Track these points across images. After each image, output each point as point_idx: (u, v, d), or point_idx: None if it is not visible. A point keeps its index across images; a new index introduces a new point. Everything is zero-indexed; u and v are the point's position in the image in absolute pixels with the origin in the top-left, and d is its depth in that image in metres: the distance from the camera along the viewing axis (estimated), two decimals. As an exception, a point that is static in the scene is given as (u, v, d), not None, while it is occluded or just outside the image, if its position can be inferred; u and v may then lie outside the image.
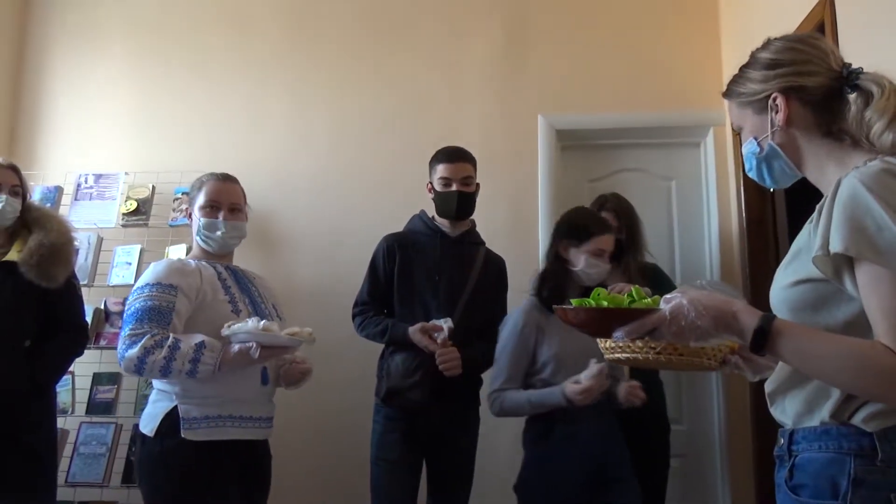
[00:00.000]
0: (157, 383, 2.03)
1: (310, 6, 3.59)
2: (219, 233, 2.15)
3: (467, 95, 3.45)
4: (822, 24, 2.25)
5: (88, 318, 3.05)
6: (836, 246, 1.05)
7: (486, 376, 2.59)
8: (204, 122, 3.52)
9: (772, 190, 3.02)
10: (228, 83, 3.55)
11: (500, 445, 3.07)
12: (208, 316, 2.01)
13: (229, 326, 1.92)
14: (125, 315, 1.98)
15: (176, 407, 1.94)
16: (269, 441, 2.17)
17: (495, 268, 2.65)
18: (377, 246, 2.61)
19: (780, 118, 1.23)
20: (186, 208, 2.24)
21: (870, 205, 1.03)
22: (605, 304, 1.20)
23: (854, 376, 1.04)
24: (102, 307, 3.18)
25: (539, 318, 2.27)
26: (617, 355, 1.25)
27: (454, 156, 2.55)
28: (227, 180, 2.23)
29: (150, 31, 3.64)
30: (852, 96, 1.18)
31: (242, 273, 2.24)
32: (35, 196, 3.08)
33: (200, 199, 2.16)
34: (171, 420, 1.93)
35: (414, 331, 2.39)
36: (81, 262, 3.15)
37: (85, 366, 3.08)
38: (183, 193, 3.21)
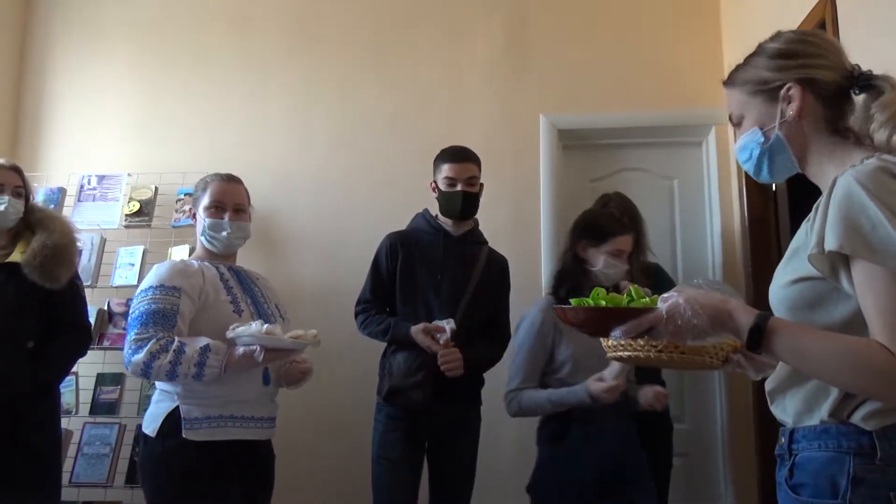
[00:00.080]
0: (159, 384, 2.04)
1: (311, 7, 3.60)
2: (224, 233, 2.15)
3: (468, 95, 3.45)
4: (823, 22, 2.25)
5: (92, 319, 3.06)
6: (831, 244, 1.05)
7: (487, 376, 2.61)
8: (206, 123, 3.53)
9: (774, 188, 3.03)
10: (230, 84, 3.56)
11: (501, 445, 3.08)
12: (211, 316, 2.02)
13: (234, 329, 1.93)
14: (130, 318, 1.99)
15: (178, 407, 1.94)
16: (272, 441, 2.18)
17: (498, 267, 2.65)
18: (380, 244, 2.62)
19: (793, 109, 1.21)
20: (190, 209, 2.24)
21: (865, 203, 1.03)
22: (603, 303, 1.20)
23: (850, 375, 1.04)
24: (106, 308, 3.19)
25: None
26: (619, 353, 1.26)
27: (460, 156, 2.55)
28: (231, 181, 2.23)
29: (152, 32, 3.65)
30: (860, 97, 1.19)
31: (245, 273, 2.25)
32: (38, 197, 3.10)
33: (205, 200, 2.17)
34: (172, 420, 1.93)
35: (416, 331, 2.39)
36: (85, 264, 3.16)
37: (89, 366, 3.09)
38: (186, 194, 3.22)
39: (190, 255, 2.28)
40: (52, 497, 2.39)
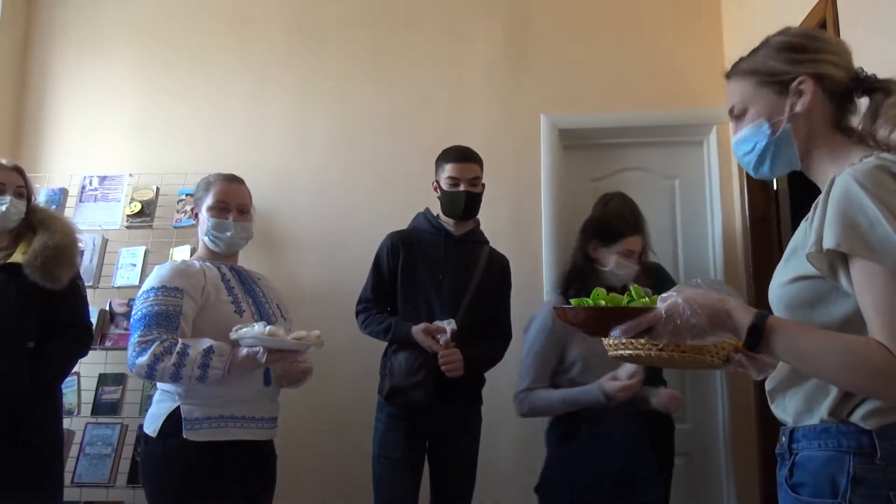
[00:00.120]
0: (161, 384, 2.04)
1: (311, 7, 3.60)
2: (228, 233, 2.16)
3: (469, 95, 3.45)
4: (824, 21, 2.25)
5: (94, 320, 3.06)
6: (829, 242, 1.05)
7: (489, 375, 2.61)
8: (207, 124, 3.54)
9: (775, 187, 3.03)
10: (230, 85, 3.56)
11: (502, 444, 3.08)
12: (212, 316, 2.02)
13: (237, 331, 1.93)
14: (132, 320, 1.99)
15: (179, 407, 1.95)
16: (274, 441, 2.18)
17: (499, 267, 2.65)
18: (381, 243, 2.62)
19: (804, 102, 1.20)
20: (192, 209, 2.23)
21: (862, 201, 1.04)
22: (602, 303, 1.20)
23: (849, 373, 1.04)
24: (108, 308, 3.20)
25: None
26: (620, 352, 1.26)
27: (463, 156, 2.55)
28: (234, 181, 2.24)
29: (153, 33, 3.66)
30: (864, 98, 1.19)
31: (247, 273, 2.25)
32: (40, 198, 3.10)
33: (209, 200, 2.17)
34: (173, 420, 1.94)
35: (417, 330, 2.40)
36: (86, 264, 3.17)
37: (90, 367, 3.09)
38: (187, 195, 3.23)
39: (191, 256, 2.28)
40: (54, 497, 2.39)
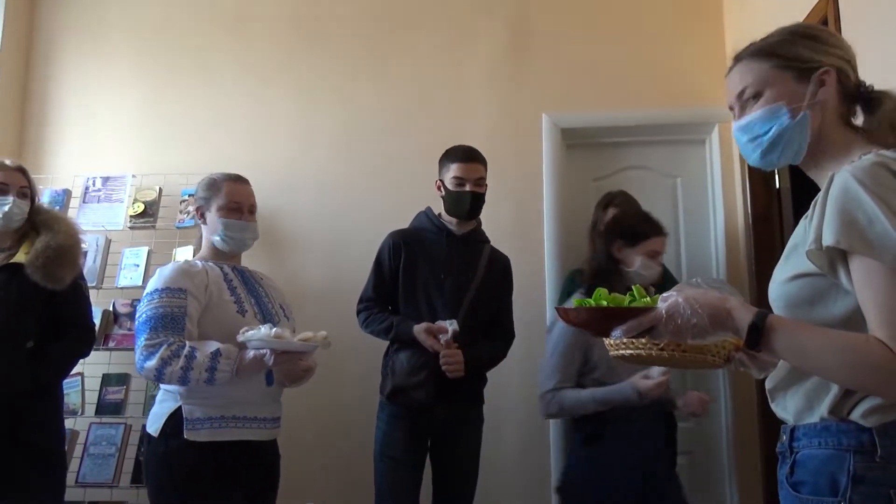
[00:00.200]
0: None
1: (312, 8, 3.61)
2: (243, 233, 2.18)
3: (471, 95, 3.45)
4: (826, 20, 2.25)
5: (97, 320, 3.07)
6: (828, 240, 1.05)
7: (490, 374, 2.61)
8: (209, 124, 3.54)
9: (777, 185, 3.03)
10: (233, 85, 3.57)
11: (504, 444, 3.09)
12: (215, 316, 2.03)
13: (244, 333, 1.94)
14: (138, 322, 2.00)
15: (180, 407, 1.96)
16: (277, 441, 2.18)
17: (500, 266, 2.65)
18: (383, 242, 2.62)
19: (826, 93, 1.19)
20: (199, 208, 2.22)
21: (861, 198, 1.04)
22: (604, 303, 1.20)
23: (849, 371, 1.04)
24: (111, 309, 3.21)
25: None
26: (621, 352, 1.26)
27: (469, 156, 2.55)
28: (243, 181, 2.26)
29: (156, 34, 3.67)
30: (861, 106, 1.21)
31: (250, 274, 2.26)
32: (43, 199, 3.11)
33: (220, 200, 2.17)
34: (175, 420, 1.95)
35: (419, 330, 2.40)
36: (90, 265, 3.18)
37: (94, 367, 3.11)
38: (190, 195, 3.23)
39: (193, 256, 2.29)
40: (55, 497, 2.39)
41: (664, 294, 1.14)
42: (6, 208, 2.38)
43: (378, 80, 3.51)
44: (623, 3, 3.48)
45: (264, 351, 1.92)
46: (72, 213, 3.22)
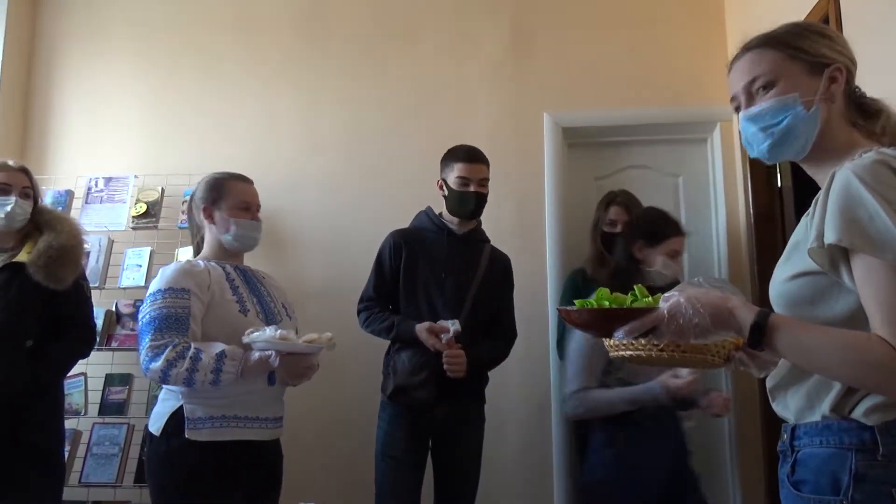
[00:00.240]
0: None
1: (316, 8, 3.61)
2: (255, 233, 2.21)
3: (472, 94, 3.45)
4: (827, 18, 2.25)
5: (100, 321, 3.09)
6: (830, 237, 1.05)
7: (492, 374, 2.62)
8: (212, 125, 3.55)
9: (779, 184, 3.02)
10: (236, 85, 3.57)
11: (505, 443, 3.09)
12: (217, 315, 2.03)
13: (249, 334, 1.94)
14: (141, 323, 1.99)
15: (182, 406, 1.96)
16: (280, 441, 2.19)
17: (501, 266, 2.65)
18: (383, 241, 2.62)
19: (835, 90, 1.19)
20: (206, 208, 2.19)
21: (862, 196, 1.04)
22: (606, 304, 1.20)
23: (851, 369, 1.04)
24: (114, 309, 3.21)
25: None
26: (621, 353, 1.26)
27: (473, 156, 2.55)
28: (249, 181, 2.28)
29: (158, 35, 3.67)
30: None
31: (252, 273, 2.26)
32: (46, 200, 3.12)
33: (230, 200, 2.18)
34: (176, 420, 1.95)
35: (421, 329, 2.40)
36: (93, 265, 3.19)
37: (97, 367, 3.12)
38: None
39: (195, 256, 2.29)
40: (54, 497, 2.39)
41: (666, 294, 1.14)
42: (8, 208, 2.39)
43: (379, 80, 3.51)
44: (624, 3, 3.47)
45: (270, 352, 1.93)
46: (74, 214, 3.22)
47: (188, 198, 2.31)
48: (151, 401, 3.04)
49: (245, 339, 1.94)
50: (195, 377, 1.89)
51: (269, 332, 1.92)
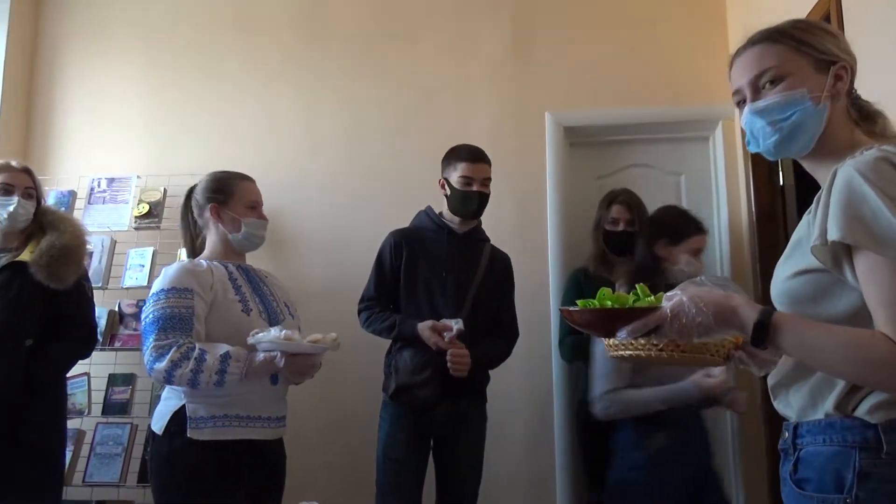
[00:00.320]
0: (169, 383, 2.05)
1: (318, 8, 3.61)
2: (263, 232, 2.23)
3: (473, 94, 3.45)
4: (828, 16, 2.24)
5: (103, 321, 3.10)
6: (833, 234, 1.05)
7: (494, 373, 2.62)
8: (214, 125, 3.55)
9: (781, 182, 3.02)
10: (238, 86, 3.58)
11: (507, 442, 3.09)
12: (220, 315, 2.03)
13: (254, 335, 1.94)
14: (145, 323, 1.99)
15: (184, 405, 1.96)
16: (283, 440, 2.19)
17: (501, 265, 2.66)
18: (384, 241, 2.62)
19: (841, 87, 1.20)
20: (214, 207, 2.18)
21: (866, 193, 1.03)
22: (608, 304, 1.20)
23: (855, 366, 1.04)
24: (117, 309, 3.22)
25: None
26: (621, 353, 1.25)
27: (476, 156, 2.55)
28: (253, 181, 2.27)
29: (161, 35, 3.68)
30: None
31: (254, 272, 2.26)
32: (49, 200, 3.13)
33: (240, 200, 2.18)
34: (179, 419, 1.95)
35: (423, 327, 2.40)
36: (95, 265, 3.20)
37: (100, 367, 3.12)
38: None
39: (189, 256, 2.29)
40: (54, 497, 2.39)
41: (668, 293, 1.13)
42: (11, 208, 2.39)
43: (380, 80, 3.51)
44: (625, 2, 3.47)
45: (275, 353, 1.93)
46: (77, 214, 3.23)
47: (184, 198, 2.30)
48: (155, 400, 3.03)
49: (250, 340, 1.94)
50: (200, 378, 1.89)
51: (275, 332, 1.92)
